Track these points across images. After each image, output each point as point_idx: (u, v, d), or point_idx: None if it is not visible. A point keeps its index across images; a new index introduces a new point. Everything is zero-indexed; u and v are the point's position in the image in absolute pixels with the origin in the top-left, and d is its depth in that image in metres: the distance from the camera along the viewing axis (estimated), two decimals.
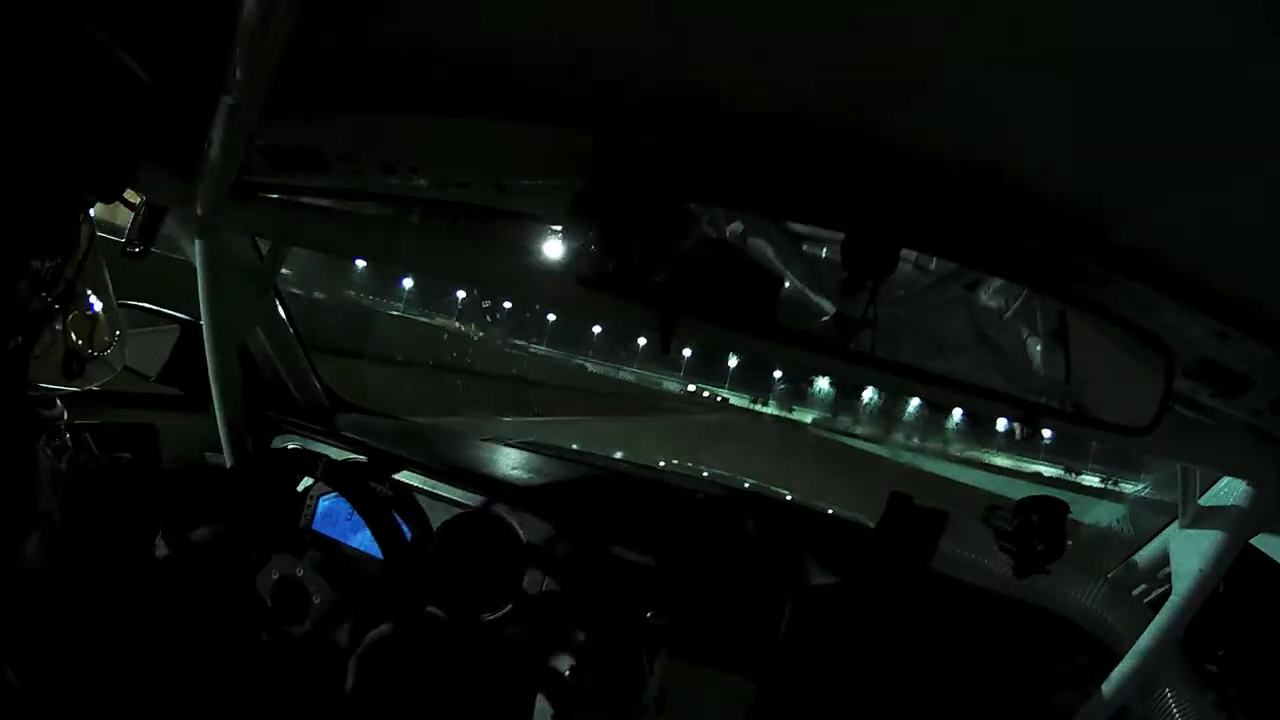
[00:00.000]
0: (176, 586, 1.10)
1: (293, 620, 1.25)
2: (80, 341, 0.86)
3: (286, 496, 1.45)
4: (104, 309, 0.90)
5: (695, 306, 0.98)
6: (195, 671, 1.01)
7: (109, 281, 0.92)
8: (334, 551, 1.40)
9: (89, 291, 0.87)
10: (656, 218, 0.96)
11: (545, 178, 1.04)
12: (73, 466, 0.89)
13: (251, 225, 1.35)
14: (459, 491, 1.54)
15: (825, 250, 1.06)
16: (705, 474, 2.10)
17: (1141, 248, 0.84)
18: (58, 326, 0.83)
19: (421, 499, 1.50)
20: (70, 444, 0.90)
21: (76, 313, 0.84)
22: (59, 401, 0.89)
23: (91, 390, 0.95)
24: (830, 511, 1.85)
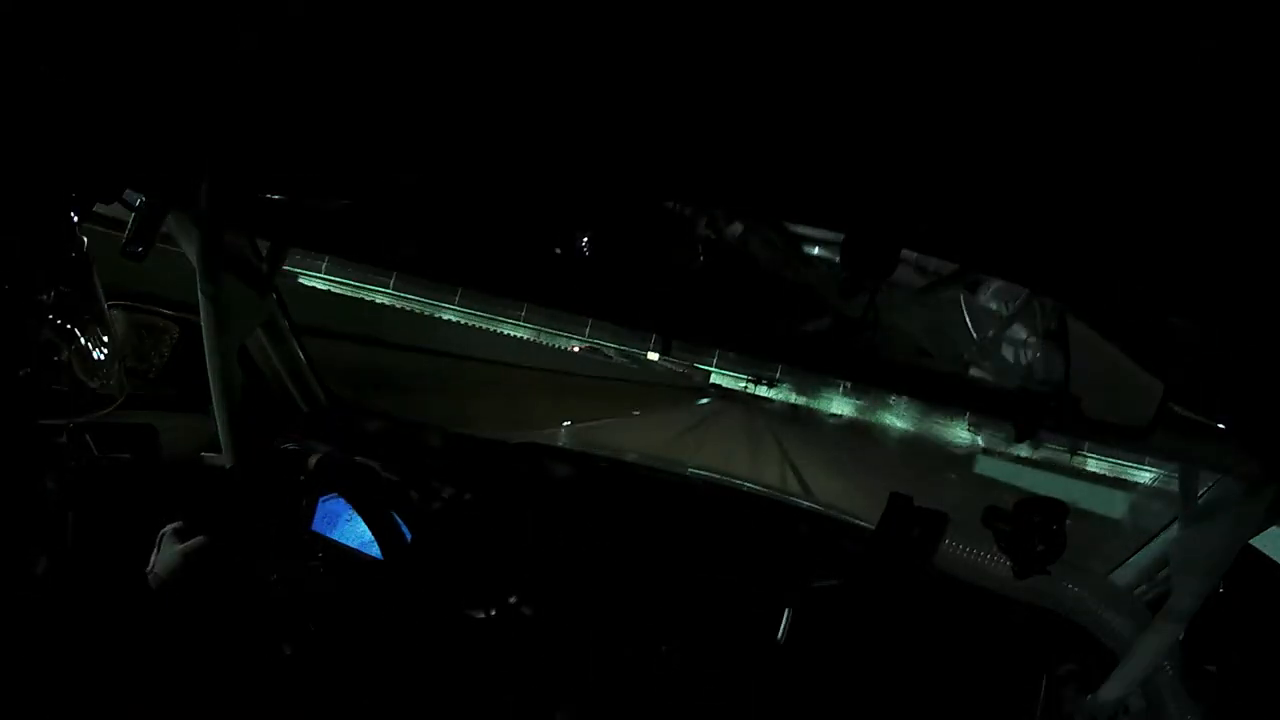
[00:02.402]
0: (177, 589, 1.10)
1: (293, 621, 1.25)
2: (83, 370, 0.85)
3: (286, 498, 1.45)
4: (103, 338, 0.87)
5: (694, 307, 0.98)
6: (196, 671, 1.01)
7: (106, 308, 0.90)
8: (334, 552, 1.40)
9: (88, 317, 0.85)
10: (652, 219, 0.96)
11: (544, 179, 1.04)
12: (79, 489, 0.88)
13: (251, 225, 1.35)
14: (458, 491, 1.54)
15: (825, 250, 1.06)
16: (706, 474, 2.09)
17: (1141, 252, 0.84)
18: (63, 355, 0.81)
19: (420, 499, 1.50)
20: (75, 472, 0.88)
21: (79, 342, 0.83)
22: (65, 432, 0.88)
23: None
24: (830, 513, 1.85)
